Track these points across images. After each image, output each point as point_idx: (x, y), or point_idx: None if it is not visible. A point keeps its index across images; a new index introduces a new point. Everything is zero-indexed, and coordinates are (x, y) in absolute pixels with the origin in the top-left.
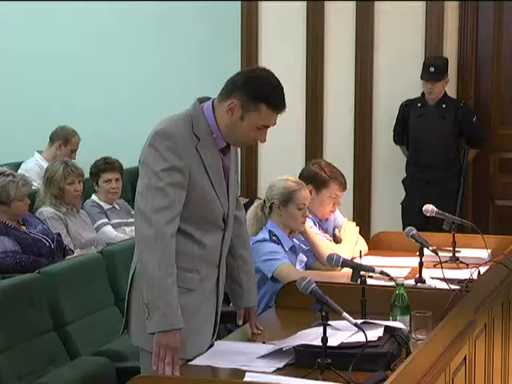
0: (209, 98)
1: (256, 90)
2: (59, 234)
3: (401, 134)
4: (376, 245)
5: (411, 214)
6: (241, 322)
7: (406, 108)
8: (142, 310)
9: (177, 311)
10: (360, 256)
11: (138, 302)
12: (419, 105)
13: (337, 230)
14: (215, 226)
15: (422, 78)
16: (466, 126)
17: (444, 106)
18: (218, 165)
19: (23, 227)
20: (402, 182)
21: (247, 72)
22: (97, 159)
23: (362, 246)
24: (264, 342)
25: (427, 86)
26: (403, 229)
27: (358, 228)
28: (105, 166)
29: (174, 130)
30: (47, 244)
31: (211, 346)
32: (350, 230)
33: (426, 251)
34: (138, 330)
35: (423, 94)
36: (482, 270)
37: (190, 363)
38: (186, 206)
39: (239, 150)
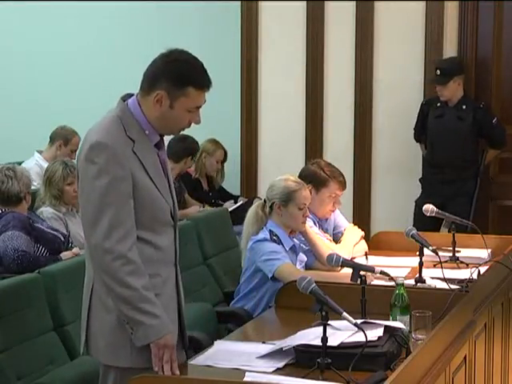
0: (131, 95)
1: (178, 75)
2: (69, 233)
3: (420, 133)
4: (376, 245)
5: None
6: None
7: (425, 107)
8: (102, 325)
9: (163, 317)
10: (366, 257)
11: (97, 317)
12: (439, 104)
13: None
14: (166, 225)
15: (431, 81)
16: (485, 128)
17: (464, 107)
18: (156, 162)
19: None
20: (420, 181)
21: (163, 58)
22: None
23: (362, 246)
24: (264, 342)
25: (437, 88)
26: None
27: (362, 233)
28: None
29: (109, 139)
30: (63, 240)
31: (210, 345)
32: (350, 231)
33: (426, 251)
34: (98, 345)
35: None
36: (482, 269)
37: (190, 363)
38: (135, 210)
39: (238, 149)
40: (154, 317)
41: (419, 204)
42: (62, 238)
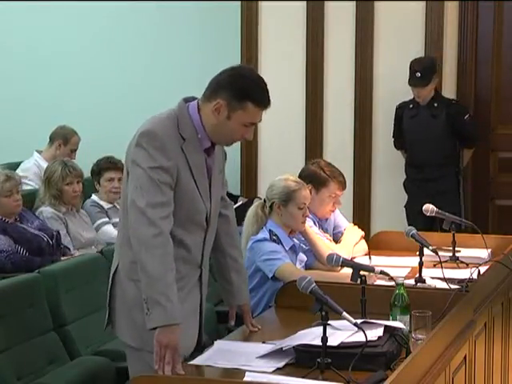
0: (194, 98)
1: (241, 88)
2: (58, 232)
3: (399, 138)
4: (376, 245)
5: (415, 216)
6: (233, 323)
7: (400, 110)
8: (128, 308)
9: (177, 306)
10: (369, 257)
11: (121, 298)
12: (411, 106)
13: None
14: (198, 226)
15: (409, 83)
16: (457, 124)
17: (435, 104)
18: (202, 165)
19: (18, 223)
20: (403, 184)
21: (230, 71)
22: (99, 158)
23: (362, 246)
24: (264, 342)
25: (415, 90)
26: None
27: (362, 233)
28: (108, 164)
29: (160, 129)
30: (45, 240)
31: (210, 345)
32: (350, 230)
33: (426, 251)
34: (125, 328)
35: None
36: (482, 269)
37: (190, 363)
38: (173, 205)
39: (238, 149)
40: (171, 302)
41: (408, 208)
42: (46, 238)
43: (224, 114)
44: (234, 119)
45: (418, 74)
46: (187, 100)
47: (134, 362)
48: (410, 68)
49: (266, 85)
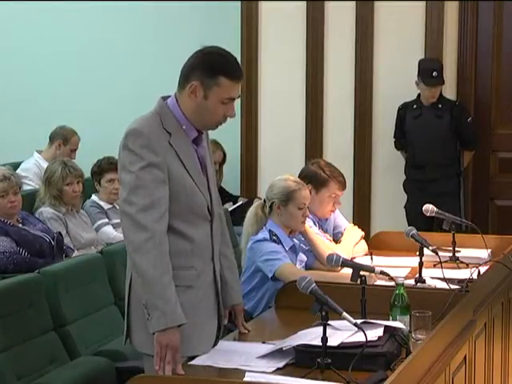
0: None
1: (211, 65)
2: (60, 233)
3: (400, 138)
4: (376, 245)
5: (415, 216)
6: (226, 322)
7: (402, 111)
8: (142, 316)
9: (176, 308)
10: (371, 257)
11: (137, 308)
12: (415, 106)
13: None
14: (202, 218)
15: (425, 83)
16: (460, 125)
17: (440, 105)
18: (193, 156)
19: (20, 225)
20: (403, 185)
21: (197, 53)
22: (100, 159)
23: (362, 246)
24: (264, 342)
25: (431, 90)
26: None
27: (362, 233)
28: (108, 165)
29: (145, 127)
30: (47, 240)
31: (215, 344)
32: (350, 231)
33: (426, 251)
34: (140, 336)
35: (419, 95)
36: (482, 269)
37: (190, 363)
38: (171, 200)
39: (238, 149)
40: (170, 305)
41: (408, 208)
42: (48, 239)
43: (200, 95)
44: (211, 98)
45: (435, 74)
46: (165, 98)
47: (153, 370)
48: (423, 68)
49: (235, 58)
